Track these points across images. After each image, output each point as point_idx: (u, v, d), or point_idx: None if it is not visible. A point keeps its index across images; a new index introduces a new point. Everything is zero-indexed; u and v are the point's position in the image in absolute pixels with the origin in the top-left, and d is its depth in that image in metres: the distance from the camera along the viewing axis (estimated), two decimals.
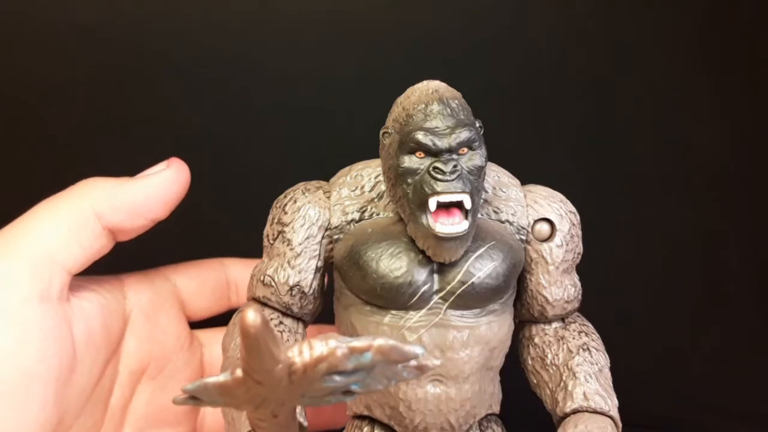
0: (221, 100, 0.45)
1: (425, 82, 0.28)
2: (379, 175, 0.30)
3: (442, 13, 0.45)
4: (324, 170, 0.33)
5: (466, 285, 0.28)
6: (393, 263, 0.28)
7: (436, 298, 0.28)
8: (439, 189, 0.26)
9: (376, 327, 0.28)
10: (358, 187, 0.31)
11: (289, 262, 0.30)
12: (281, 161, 0.44)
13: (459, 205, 0.26)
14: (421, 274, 0.28)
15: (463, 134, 0.27)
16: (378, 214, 0.30)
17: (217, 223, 0.46)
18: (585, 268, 0.32)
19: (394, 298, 0.28)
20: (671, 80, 0.47)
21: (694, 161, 0.47)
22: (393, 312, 0.28)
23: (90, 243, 0.30)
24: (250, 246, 0.34)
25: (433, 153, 0.27)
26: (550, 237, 0.31)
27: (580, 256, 0.32)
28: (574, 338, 0.31)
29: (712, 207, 0.47)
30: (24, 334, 0.28)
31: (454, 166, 0.26)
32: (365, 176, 0.31)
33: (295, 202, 0.30)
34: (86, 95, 0.43)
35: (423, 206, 0.27)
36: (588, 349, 0.30)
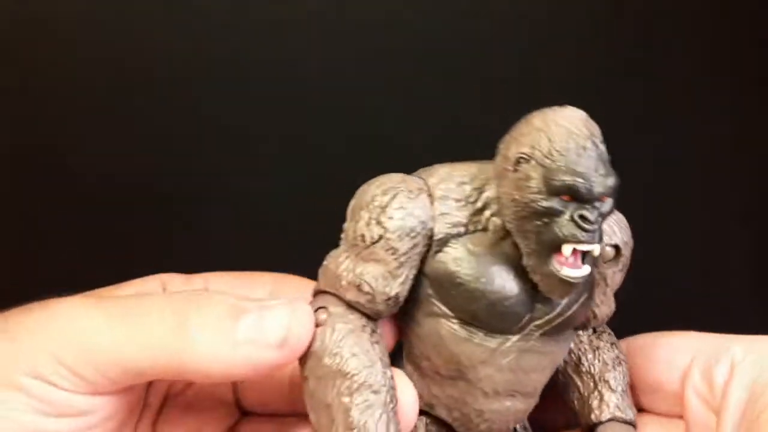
0: (225, 100, 0.45)
1: (571, 111, 0.27)
2: (484, 185, 0.29)
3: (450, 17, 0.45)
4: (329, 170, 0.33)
5: (563, 317, 0.29)
6: (505, 292, 0.28)
7: (531, 325, 0.29)
8: (582, 238, 0.26)
9: (466, 343, 0.29)
10: (462, 197, 0.29)
11: (391, 273, 0.28)
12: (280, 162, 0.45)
13: (587, 254, 0.27)
14: (528, 304, 0.28)
15: (613, 182, 0.26)
16: (481, 228, 0.29)
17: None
18: None
19: (497, 323, 0.28)
20: (672, 80, 0.48)
21: (694, 161, 0.49)
22: (488, 332, 0.29)
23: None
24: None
25: (583, 200, 0.26)
26: (613, 260, 0.33)
27: None
28: (608, 350, 0.34)
29: (712, 207, 0.49)
30: None
31: (598, 216, 0.26)
32: (467, 187, 0.29)
33: (403, 207, 0.28)
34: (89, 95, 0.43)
35: (555, 248, 0.26)
36: (621, 363, 0.34)
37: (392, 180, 0.29)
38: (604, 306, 0.33)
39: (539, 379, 0.30)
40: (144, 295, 0.28)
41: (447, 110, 0.36)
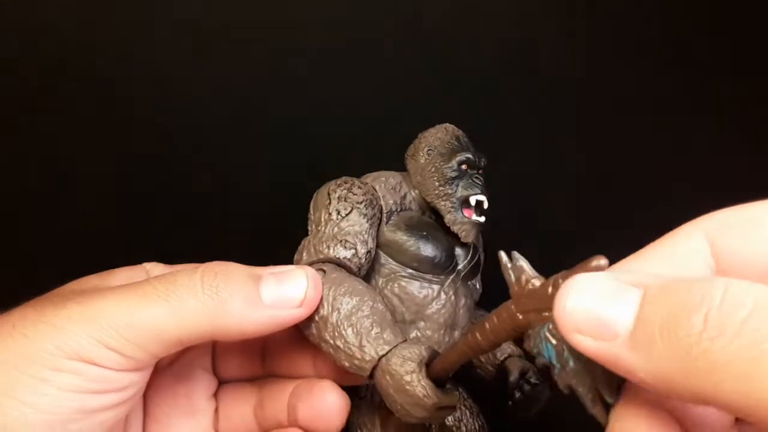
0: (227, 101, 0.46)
1: (449, 124, 0.41)
2: (401, 182, 0.41)
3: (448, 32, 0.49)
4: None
5: (474, 261, 0.41)
6: (440, 243, 0.39)
7: (458, 267, 0.40)
8: (479, 191, 0.39)
9: (421, 285, 0.38)
10: (392, 187, 0.40)
11: (366, 231, 0.37)
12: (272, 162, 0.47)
13: (480, 204, 0.40)
14: (451, 252, 0.39)
15: (486, 160, 0.41)
16: (407, 208, 0.40)
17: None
18: None
19: (440, 266, 0.38)
20: (671, 81, 0.50)
21: (694, 163, 0.49)
22: (433, 276, 0.38)
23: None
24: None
25: (474, 167, 0.40)
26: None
27: None
28: (487, 313, 0.45)
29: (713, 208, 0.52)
30: None
31: (484, 179, 0.40)
32: (392, 181, 0.41)
33: (360, 187, 0.38)
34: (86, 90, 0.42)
35: (465, 202, 0.39)
36: None
37: (343, 178, 0.39)
38: (479, 283, 0.45)
39: (464, 315, 0.40)
40: (170, 273, 0.30)
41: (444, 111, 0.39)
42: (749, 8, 0.48)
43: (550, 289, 0.23)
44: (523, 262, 0.26)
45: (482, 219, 0.39)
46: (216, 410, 0.37)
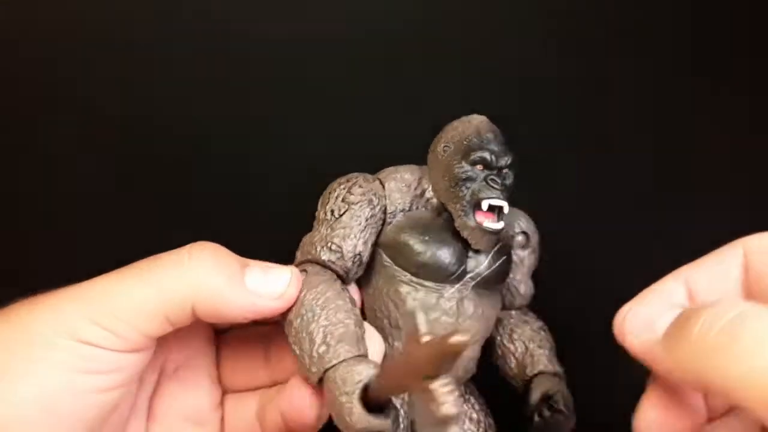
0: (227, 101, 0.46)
1: (477, 115, 0.37)
2: (420, 179, 0.38)
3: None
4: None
5: (489, 271, 0.37)
6: (446, 248, 0.36)
7: (466, 277, 0.36)
8: (492, 195, 0.35)
9: (419, 291, 0.35)
10: (406, 184, 0.38)
11: (356, 235, 0.35)
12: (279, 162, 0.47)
13: (499, 208, 0.36)
14: (460, 259, 0.36)
15: (509, 158, 0.36)
16: (419, 208, 0.38)
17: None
18: (592, 272, 0.39)
19: (442, 274, 0.35)
20: (672, 83, 0.48)
21: (696, 164, 0.48)
22: (434, 283, 0.35)
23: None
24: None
25: (490, 167, 0.36)
26: (524, 246, 0.42)
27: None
28: (534, 321, 0.41)
29: (714, 209, 0.47)
30: None
31: (503, 181, 0.36)
32: (408, 177, 0.38)
33: (361, 186, 0.36)
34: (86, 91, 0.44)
35: (477, 206, 0.35)
36: (545, 330, 0.41)
37: (351, 173, 0.38)
38: (524, 285, 0.41)
39: (476, 327, 0.37)
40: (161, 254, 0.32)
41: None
42: (750, 9, 0.47)
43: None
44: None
45: (497, 225, 0.36)
46: (222, 419, 0.37)
